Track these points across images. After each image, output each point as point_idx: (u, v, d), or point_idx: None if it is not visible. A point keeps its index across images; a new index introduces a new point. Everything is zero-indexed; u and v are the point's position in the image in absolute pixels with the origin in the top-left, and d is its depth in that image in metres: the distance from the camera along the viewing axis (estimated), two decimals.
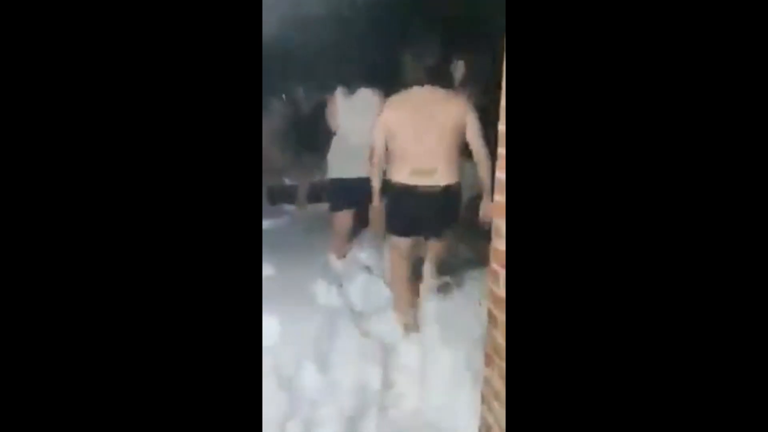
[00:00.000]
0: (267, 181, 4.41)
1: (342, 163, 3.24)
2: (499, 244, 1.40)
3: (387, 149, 2.56)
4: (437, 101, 2.46)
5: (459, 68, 3.13)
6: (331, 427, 2.06)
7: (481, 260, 2.59)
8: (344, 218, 3.31)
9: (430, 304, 2.66)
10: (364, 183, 2.80)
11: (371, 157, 2.61)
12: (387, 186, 2.62)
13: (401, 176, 2.52)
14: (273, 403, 2.08)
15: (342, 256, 3.32)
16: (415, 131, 2.47)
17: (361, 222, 3.36)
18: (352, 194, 3.21)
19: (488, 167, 2.43)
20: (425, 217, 2.53)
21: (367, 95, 3.13)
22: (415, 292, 2.71)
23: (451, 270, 2.86)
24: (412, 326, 2.64)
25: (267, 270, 2.82)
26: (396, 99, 2.54)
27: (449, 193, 2.52)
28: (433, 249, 2.70)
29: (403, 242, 2.64)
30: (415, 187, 2.49)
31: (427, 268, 2.72)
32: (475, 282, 2.76)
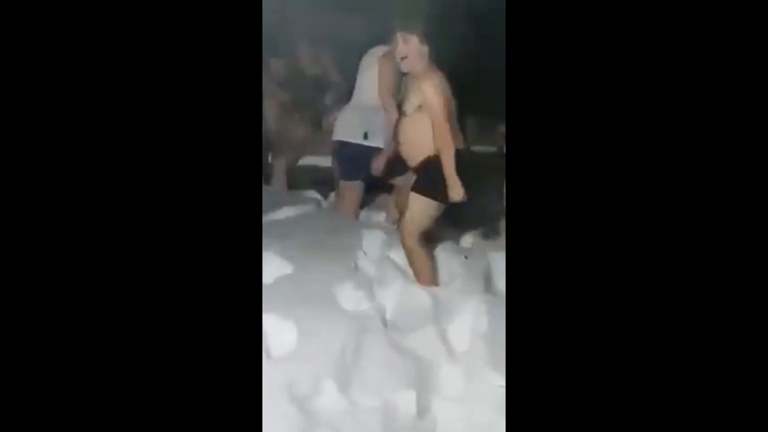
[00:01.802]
0: (286, 162, 4.09)
1: (351, 128, 3.34)
2: None
3: None
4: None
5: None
6: None
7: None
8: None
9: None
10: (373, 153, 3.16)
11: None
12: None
13: None
14: (285, 426, 1.91)
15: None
16: None
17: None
18: (361, 163, 3.26)
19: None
20: None
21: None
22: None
23: None
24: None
25: (285, 268, 2.61)
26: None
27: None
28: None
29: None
30: None
31: None
32: None
